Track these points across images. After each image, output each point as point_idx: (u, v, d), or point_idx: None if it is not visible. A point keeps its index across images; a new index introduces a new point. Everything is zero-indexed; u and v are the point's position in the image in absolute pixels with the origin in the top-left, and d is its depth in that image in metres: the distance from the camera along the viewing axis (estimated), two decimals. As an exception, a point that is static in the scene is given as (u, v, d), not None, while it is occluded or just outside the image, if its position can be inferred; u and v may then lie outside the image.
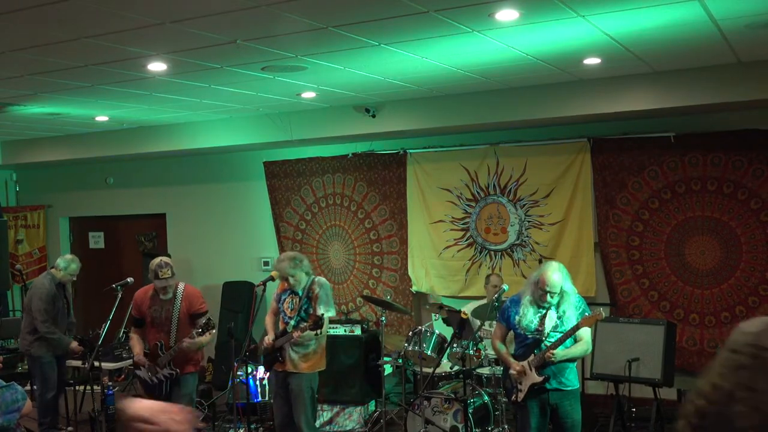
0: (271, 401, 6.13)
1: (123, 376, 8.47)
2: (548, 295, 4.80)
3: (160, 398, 5.75)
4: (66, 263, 6.88)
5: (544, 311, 4.88)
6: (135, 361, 5.85)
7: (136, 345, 5.89)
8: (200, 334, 5.59)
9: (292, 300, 5.72)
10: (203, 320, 5.66)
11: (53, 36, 4.49)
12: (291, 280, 5.65)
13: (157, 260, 5.71)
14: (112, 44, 4.69)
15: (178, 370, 5.72)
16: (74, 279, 6.93)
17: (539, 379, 4.82)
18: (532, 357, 4.87)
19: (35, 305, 6.73)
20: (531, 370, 4.85)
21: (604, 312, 6.49)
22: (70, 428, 7.16)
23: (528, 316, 4.89)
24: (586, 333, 4.94)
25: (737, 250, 6.81)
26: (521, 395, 4.89)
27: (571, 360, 4.92)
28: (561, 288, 4.81)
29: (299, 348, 5.64)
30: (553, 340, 4.81)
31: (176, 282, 5.76)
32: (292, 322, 5.61)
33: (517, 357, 4.99)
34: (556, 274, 4.80)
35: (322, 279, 5.85)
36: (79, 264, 6.96)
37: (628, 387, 6.20)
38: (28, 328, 6.82)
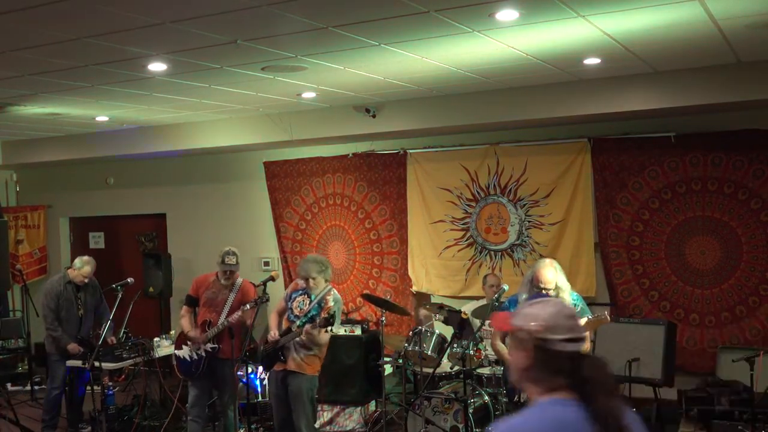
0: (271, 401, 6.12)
1: (123, 376, 8.46)
2: (544, 292, 4.82)
3: (196, 377, 6.10)
4: (81, 264, 6.89)
5: None
6: (188, 337, 6.12)
7: (187, 323, 6.21)
8: (253, 307, 5.93)
9: (303, 301, 5.71)
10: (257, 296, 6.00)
11: (53, 36, 4.49)
12: (311, 282, 5.63)
13: (226, 248, 6.23)
14: (112, 44, 4.69)
15: (219, 345, 6.03)
16: (86, 281, 6.90)
17: None
18: None
19: (40, 301, 6.98)
20: None
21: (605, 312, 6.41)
22: (88, 428, 7.16)
23: None
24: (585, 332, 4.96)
25: (737, 250, 6.81)
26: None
27: None
28: (556, 284, 4.85)
29: (305, 349, 5.61)
30: None
31: (237, 274, 6.22)
32: (298, 322, 5.58)
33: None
34: (549, 270, 4.86)
35: (338, 295, 5.81)
36: (93, 267, 6.95)
37: (628, 387, 6.20)
38: (44, 324, 6.92)
